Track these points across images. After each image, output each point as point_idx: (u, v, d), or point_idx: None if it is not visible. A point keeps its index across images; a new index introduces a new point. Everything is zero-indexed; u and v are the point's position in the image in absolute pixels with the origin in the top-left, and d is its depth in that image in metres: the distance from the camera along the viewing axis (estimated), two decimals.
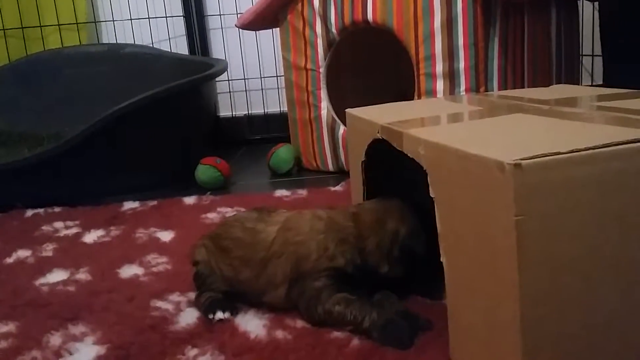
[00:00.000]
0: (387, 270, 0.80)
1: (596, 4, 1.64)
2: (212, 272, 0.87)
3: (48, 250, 1.20)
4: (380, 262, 0.80)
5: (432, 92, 1.38)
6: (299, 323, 0.80)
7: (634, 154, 0.54)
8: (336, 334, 0.76)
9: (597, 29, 1.62)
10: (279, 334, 0.78)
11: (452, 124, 0.81)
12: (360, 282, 0.80)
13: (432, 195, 0.65)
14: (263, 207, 0.92)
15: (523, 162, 0.51)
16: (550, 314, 0.54)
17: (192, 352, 0.75)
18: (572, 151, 0.52)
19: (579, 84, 1.72)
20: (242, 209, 1.33)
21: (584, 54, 1.77)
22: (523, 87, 1.42)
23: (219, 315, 0.82)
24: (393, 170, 0.87)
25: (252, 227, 0.86)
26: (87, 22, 2.18)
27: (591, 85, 1.80)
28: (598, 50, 1.65)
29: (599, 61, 1.68)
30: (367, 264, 0.80)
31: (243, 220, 0.88)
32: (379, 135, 0.81)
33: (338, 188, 1.45)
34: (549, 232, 0.52)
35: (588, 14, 1.75)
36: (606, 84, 1.57)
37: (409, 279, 0.82)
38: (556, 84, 1.52)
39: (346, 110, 0.99)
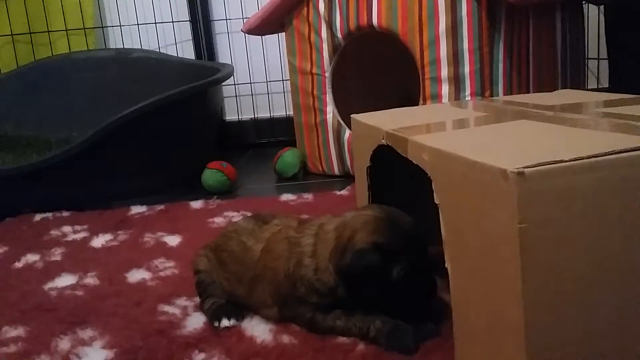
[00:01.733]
0: (343, 291, 0.75)
1: (602, 7, 1.64)
2: (213, 280, 0.88)
3: (56, 254, 1.21)
4: (331, 279, 0.75)
5: (437, 97, 1.38)
6: None
7: (637, 161, 0.54)
8: (342, 339, 0.77)
9: (602, 32, 1.62)
10: (285, 338, 0.78)
11: (457, 130, 0.82)
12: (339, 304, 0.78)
13: (436, 202, 0.66)
14: (260, 216, 0.91)
15: (526, 170, 0.51)
16: (553, 320, 0.54)
17: (199, 356, 0.76)
18: (575, 159, 0.53)
19: (584, 88, 1.71)
20: (249, 214, 1.33)
21: (589, 57, 1.77)
22: (528, 91, 1.42)
23: (225, 322, 0.82)
24: (397, 177, 0.88)
25: (244, 242, 0.86)
26: (94, 27, 2.20)
27: (597, 89, 1.80)
28: (604, 53, 1.64)
29: (604, 64, 1.67)
30: (324, 286, 0.76)
31: (240, 232, 0.88)
32: (383, 142, 0.82)
33: (344, 192, 1.46)
34: (552, 240, 0.53)
35: (594, 17, 1.75)
36: (612, 87, 1.57)
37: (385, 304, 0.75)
38: (562, 87, 1.52)
39: (351, 115, 1.00)
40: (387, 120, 0.88)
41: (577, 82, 1.62)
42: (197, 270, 0.90)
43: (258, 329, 0.81)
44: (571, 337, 0.55)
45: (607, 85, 1.69)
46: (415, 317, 0.75)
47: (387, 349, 0.73)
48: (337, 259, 0.75)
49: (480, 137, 0.72)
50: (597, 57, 1.79)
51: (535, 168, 0.52)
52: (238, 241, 0.86)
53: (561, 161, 0.52)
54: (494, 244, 0.56)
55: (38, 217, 1.47)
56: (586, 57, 1.73)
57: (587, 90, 1.63)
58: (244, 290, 0.84)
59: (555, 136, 0.67)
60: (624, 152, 0.54)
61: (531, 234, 0.52)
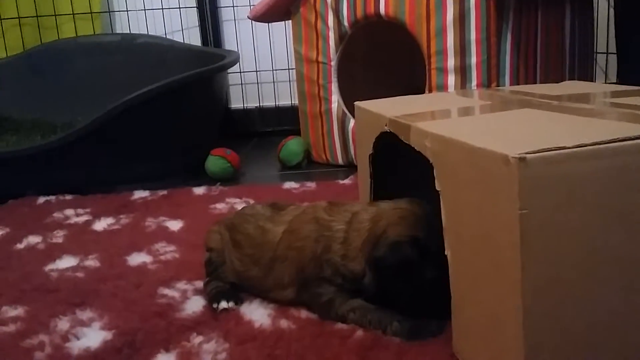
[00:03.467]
0: (370, 280, 0.75)
1: (611, 1, 1.62)
2: (223, 261, 0.88)
3: (58, 236, 1.21)
4: (362, 270, 0.75)
5: (443, 87, 1.37)
6: (304, 313, 0.81)
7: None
8: (340, 325, 0.77)
9: (612, 26, 1.60)
10: (284, 323, 0.78)
11: (460, 118, 0.81)
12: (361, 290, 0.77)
13: (437, 188, 0.65)
14: (277, 203, 0.91)
15: (528, 156, 0.51)
16: (552, 308, 0.54)
17: (197, 339, 0.76)
18: (577, 146, 0.52)
19: (592, 82, 1.70)
20: (251, 201, 1.34)
21: (598, 51, 1.75)
22: (535, 84, 1.41)
23: (223, 304, 0.82)
24: (400, 164, 0.87)
25: (262, 226, 0.86)
26: (101, 12, 2.20)
27: (605, 84, 1.78)
28: (613, 48, 1.63)
29: (613, 59, 1.66)
30: (351, 273, 0.76)
31: (257, 217, 0.87)
32: (386, 128, 0.81)
33: (347, 181, 1.45)
34: (553, 227, 0.52)
35: (603, 11, 1.73)
36: (620, 82, 1.56)
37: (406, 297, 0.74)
38: (569, 80, 1.51)
39: (355, 103, 0.99)
40: (390, 108, 0.87)
41: (585, 76, 1.61)
42: (209, 248, 0.90)
43: (257, 314, 0.81)
44: (570, 325, 0.54)
45: (615, 81, 1.68)
46: (434, 315, 0.73)
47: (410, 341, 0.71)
48: (370, 249, 0.74)
49: (483, 125, 0.72)
50: (606, 51, 1.77)
51: (537, 154, 0.51)
52: (255, 225, 0.86)
53: (564, 148, 0.52)
54: (494, 230, 0.56)
55: (41, 199, 1.48)
56: (595, 51, 1.71)
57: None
58: (260, 272, 0.84)
59: (559, 124, 0.66)
60: (628, 139, 0.53)
61: (532, 221, 0.52)
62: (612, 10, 1.60)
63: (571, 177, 0.52)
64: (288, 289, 0.82)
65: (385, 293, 0.75)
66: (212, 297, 0.85)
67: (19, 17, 2.17)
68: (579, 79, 1.55)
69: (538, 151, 0.51)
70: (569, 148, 0.52)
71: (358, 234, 0.76)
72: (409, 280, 0.72)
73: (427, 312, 0.73)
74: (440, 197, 0.65)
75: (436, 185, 0.65)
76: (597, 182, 0.53)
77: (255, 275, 0.84)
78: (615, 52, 1.59)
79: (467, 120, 0.79)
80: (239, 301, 0.84)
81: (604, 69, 1.82)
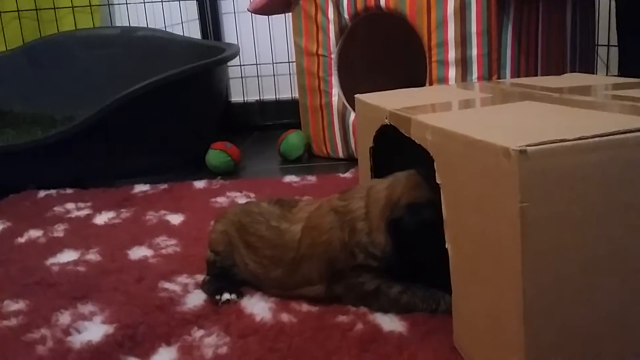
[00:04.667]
0: (391, 248, 0.74)
1: None
2: (231, 264, 0.87)
3: (59, 230, 1.21)
4: (382, 238, 0.74)
5: (444, 80, 1.37)
6: (305, 307, 0.81)
7: None
8: (341, 317, 0.77)
9: (613, 18, 1.59)
10: (284, 317, 0.78)
11: (461, 110, 0.81)
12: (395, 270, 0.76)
13: (438, 181, 0.65)
14: (283, 199, 0.89)
15: (529, 148, 0.51)
16: (553, 302, 0.54)
17: (198, 332, 0.76)
18: (578, 138, 0.52)
19: (594, 74, 1.69)
20: (252, 194, 1.34)
21: (599, 44, 1.74)
22: (536, 76, 1.40)
23: (226, 296, 0.83)
24: (400, 158, 0.87)
25: (276, 226, 0.84)
26: (100, 5, 2.19)
27: (606, 76, 1.78)
28: (614, 40, 1.62)
29: (614, 51, 1.65)
30: (378, 248, 0.76)
31: (267, 216, 0.86)
32: (387, 121, 0.81)
33: (347, 175, 1.45)
34: (554, 220, 0.52)
35: (604, 4, 1.72)
36: (622, 74, 1.55)
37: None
38: (570, 73, 1.50)
39: (355, 96, 0.99)
40: (391, 101, 0.87)
41: (587, 68, 1.60)
42: (216, 251, 0.88)
43: (257, 307, 0.81)
44: (571, 320, 0.54)
45: (616, 73, 1.67)
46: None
47: None
48: (389, 214, 0.74)
49: (484, 117, 0.71)
50: (607, 44, 1.77)
51: (538, 147, 0.51)
52: (268, 225, 0.84)
53: (565, 140, 0.52)
54: (495, 223, 0.56)
55: (42, 193, 1.48)
56: (596, 43, 1.71)
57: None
58: (284, 272, 0.82)
59: (560, 116, 0.66)
60: (629, 132, 0.53)
61: (532, 214, 0.52)
62: (613, 3, 1.59)
63: (572, 170, 0.52)
64: (318, 285, 0.80)
65: (409, 262, 0.74)
66: (214, 290, 0.85)
67: (18, 10, 2.16)
68: (580, 72, 1.54)
69: (539, 144, 0.51)
70: (569, 140, 0.52)
71: (377, 203, 0.76)
72: (429, 243, 0.69)
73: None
74: (441, 190, 0.65)
75: (437, 178, 0.65)
76: (598, 174, 0.52)
77: (278, 276, 0.83)
78: (616, 44, 1.58)
79: (467, 112, 0.79)
80: (239, 294, 0.84)
81: (606, 62, 1.82)
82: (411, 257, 0.74)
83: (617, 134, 0.53)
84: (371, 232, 0.75)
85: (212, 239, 0.90)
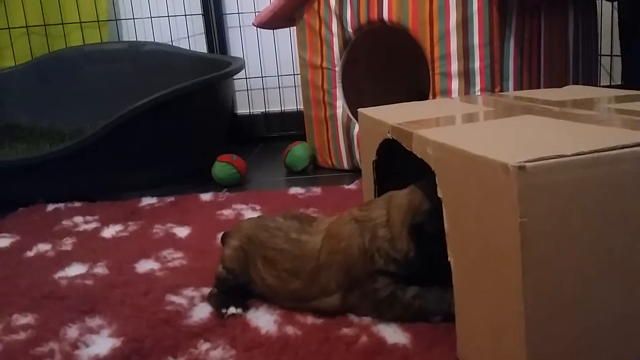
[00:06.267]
0: (412, 253, 0.75)
1: (615, 3, 1.62)
2: (248, 281, 0.87)
3: (67, 244, 1.23)
4: (405, 243, 0.75)
5: (447, 92, 1.38)
6: (309, 319, 0.81)
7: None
8: (345, 330, 0.78)
9: (616, 28, 1.60)
10: (289, 329, 0.79)
11: (462, 125, 0.82)
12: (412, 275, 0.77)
13: (439, 195, 0.66)
14: (301, 215, 0.90)
15: (527, 164, 0.52)
16: (554, 315, 0.54)
17: (204, 346, 0.77)
18: (577, 154, 0.53)
19: (597, 85, 1.70)
20: (257, 207, 1.35)
21: (602, 54, 1.75)
22: (539, 87, 1.41)
23: (232, 310, 0.83)
24: (403, 171, 0.88)
25: (296, 238, 0.84)
26: (108, 20, 2.22)
27: (609, 86, 1.78)
28: (617, 50, 1.63)
29: (618, 61, 1.66)
30: (400, 254, 0.76)
31: (286, 230, 0.86)
32: (389, 135, 0.82)
33: (352, 186, 1.46)
34: (553, 234, 0.53)
35: (607, 13, 1.73)
36: (625, 84, 1.56)
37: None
38: (573, 84, 1.51)
39: (358, 109, 1.00)
40: (393, 115, 0.88)
41: (590, 78, 1.61)
42: (229, 268, 0.88)
43: (263, 320, 0.82)
44: (571, 331, 0.55)
45: (619, 83, 1.68)
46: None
47: None
48: (411, 219, 0.75)
49: (484, 132, 0.72)
50: (610, 53, 1.78)
51: (536, 162, 0.52)
52: (287, 238, 0.85)
53: (563, 156, 0.53)
54: (495, 238, 0.56)
55: (50, 207, 1.49)
56: (599, 53, 1.71)
57: (600, 86, 1.62)
58: (302, 283, 0.82)
59: (560, 131, 0.67)
60: (627, 147, 0.54)
61: (532, 228, 0.52)
62: (615, 13, 1.60)
63: (571, 185, 0.53)
64: (334, 295, 0.81)
65: (428, 265, 0.75)
66: (220, 303, 0.85)
67: (27, 26, 2.19)
68: (584, 82, 1.55)
69: (537, 159, 0.52)
70: (568, 156, 0.53)
71: (398, 210, 0.77)
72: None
73: None
74: (442, 204, 0.66)
75: (438, 192, 0.66)
76: (597, 189, 0.53)
77: (297, 288, 0.83)
78: (619, 54, 1.59)
79: (468, 127, 0.79)
80: (245, 308, 0.85)
81: (609, 71, 1.82)
82: (432, 260, 0.75)
83: (615, 149, 0.54)
84: (393, 239, 0.77)
85: (226, 256, 0.89)
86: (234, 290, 0.87)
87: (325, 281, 0.81)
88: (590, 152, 0.53)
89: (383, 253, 0.77)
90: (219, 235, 1.18)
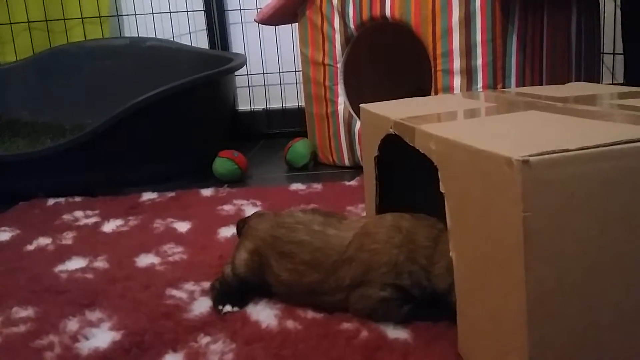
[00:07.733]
0: (449, 296, 0.73)
1: (618, 1, 1.62)
2: (261, 282, 0.86)
3: (68, 238, 1.23)
4: (447, 288, 0.72)
5: (449, 89, 1.37)
6: (310, 314, 0.81)
7: None
8: (346, 325, 0.77)
9: (618, 26, 1.60)
10: (290, 324, 0.79)
11: (465, 120, 0.81)
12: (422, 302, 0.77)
13: (442, 190, 0.66)
14: (323, 212, 0.87)
15: (531, 158, 0.51)
16: (556, 310, 0.54)
17: (205, 339, 0.77)
18: (581, 148, 0.53)
19: (599, 83, 1.70)
20: (258, 202, 1.35)
21: (605, 52, 1.75)
22: (541, 85, 1.41)
23: (227, 308, 0.83)
24: (405, 167, 0.88)
25: (321, 231, 0.82)
26: (109, 16, 2.21)
27: (612, 84, 1.78)
28: (619, 48, 1.63)
29: (620, 60, 1.66)
30: (433, 289, 0.75)
31: (308, 223, 0.84)
32: (391, 131, 0.82)
33: (353, 183, 1.46)
34: (556, 229, 0.53)
35: (609, 11, 1.73)
36: (627, 82, 1.56)
37: None
38: (576, 81, 1.51)
39: (360, 105, 1.00)
40: (395, 110, 0.88)
41: (592, 76, 1.60)
42: (239, 274, 0.86)
43: (263, 314, 0.82)
44: (574, 326, 0.55)
45: (622, 81, 1.67)
46: None
47: None
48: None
49: (487, 127, 0.72)
50: (612, 51, 1.77)
51: (540, 157, 0.52)
52: (309, 230, 0.83)
53: (567, 150, 0.52)
54: (498, 232, 0.56)
55: (51, 201, 1.49)
56: (601, 51, 1.71)
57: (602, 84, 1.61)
58: (319, 276, 0.81)
59: (564, 126, 0.66)
60: (631, 142, 0.53)
61: (535, 223, 0.52)
62: (618, 11, 1.60)
63: (574, 180, 0.53)
64: (343, 293, 0.80)
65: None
66: (218, 300, 0.85)
67: (28, 22, 2.19)
68: (586, 80, 1.55)
69: (541, 154, 0.52)
70: (572, 150, 0.52)
71: (445, 255, 0.72)
72: None
73: None
74: (445, 199, 0.66)
75: (441, 187, 0.66)
76: (600, 184, 0.53)
77: (312, 281, 0.81)
78: (621, 52, 1.59)
79: (471, 122, 0.79)
80: (243, 305, 0.85)
81: (611, 69, 1.82)
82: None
83: (619, 144, 0.53)
84: (431, 275, 0.75)
85: (238, 260, 0.87)
86: (235, 292, 0.87)
87: (342, 276, 0.79)
88: (594, 146, 0.53)
89: (415, 278, 0.75)
90: (220, 230, 1.18)
